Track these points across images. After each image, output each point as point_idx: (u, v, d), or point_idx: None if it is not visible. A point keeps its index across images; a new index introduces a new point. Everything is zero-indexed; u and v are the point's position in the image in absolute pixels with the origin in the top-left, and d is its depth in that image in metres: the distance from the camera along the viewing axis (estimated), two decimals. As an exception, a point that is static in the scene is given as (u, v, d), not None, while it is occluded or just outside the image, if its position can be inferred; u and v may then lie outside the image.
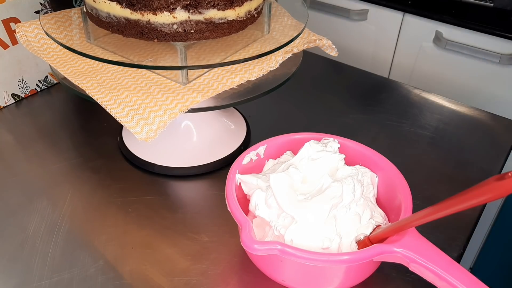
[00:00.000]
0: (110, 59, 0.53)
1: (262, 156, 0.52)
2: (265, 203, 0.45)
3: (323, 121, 0.73)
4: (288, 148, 0.53)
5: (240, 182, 0.48)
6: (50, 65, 0.61)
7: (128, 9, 0.50)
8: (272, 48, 0.54)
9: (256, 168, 0.51)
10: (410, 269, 0.39)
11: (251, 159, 0.51)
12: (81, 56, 0.55)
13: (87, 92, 0.55)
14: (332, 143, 0.50)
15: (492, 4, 1.00)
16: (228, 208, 0.44)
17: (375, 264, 0.45)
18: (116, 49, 0.58)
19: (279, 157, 0.52)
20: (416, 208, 0.43)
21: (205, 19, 0.51)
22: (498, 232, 1.11)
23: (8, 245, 0.52)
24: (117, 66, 0.58)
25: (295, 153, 0.51)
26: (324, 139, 0.51)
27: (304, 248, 0.40)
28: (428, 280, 0.39)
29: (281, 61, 0.59)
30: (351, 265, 0.41)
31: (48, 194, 0.58)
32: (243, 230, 0.40)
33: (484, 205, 0.59)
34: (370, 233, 0.43)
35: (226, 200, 0.45)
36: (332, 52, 0.67)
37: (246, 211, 0.47)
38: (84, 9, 0.57)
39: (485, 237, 1.15)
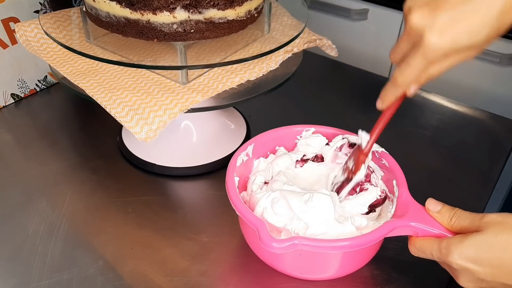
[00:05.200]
0: (109, 58, 0.53)
1: (251, 156, 0.53)
2: (272, 210, 0.45)
3: (323, 121, 0.72)
4: (275, 143, 0.54)
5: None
6: (49, 65, 0.60)
7: (128, 9, 0.50)
8: (272, 48, 0.54)
9: (247, 167, 0.52)
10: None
11: (243, 160, 0.51)
12: (80, 56, 0.54)
13: (87, 92, 0.55)
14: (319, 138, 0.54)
15: (492, 4, 1.00)
16: (237, 213, 0.44)
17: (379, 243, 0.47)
18: (115, 48, 0.58)
19: (269, 155, 0.54)
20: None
21: (205, 18, 0.51)
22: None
23: (8, 245, 0.51)
24: (116, 66, 0.58)
25: (286, 147, 0.54)
26: (306, 130, 0.54)
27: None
28: None
29: (281, 61, 0.59)
30: (375, 243, 0.42)
31: (47, 194, 0.58)
32: (261, 231, 0.40)
33: (484, 205, 0.59)
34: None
35: (233, 206, 0.44)
36: (332, 52, 0.67)
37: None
38: (84, 9, 0.57)
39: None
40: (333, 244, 0.41)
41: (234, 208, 0.44)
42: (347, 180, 0.48)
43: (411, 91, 0.41)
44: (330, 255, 0.44)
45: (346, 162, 0.49)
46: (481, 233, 0.36)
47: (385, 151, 0.50)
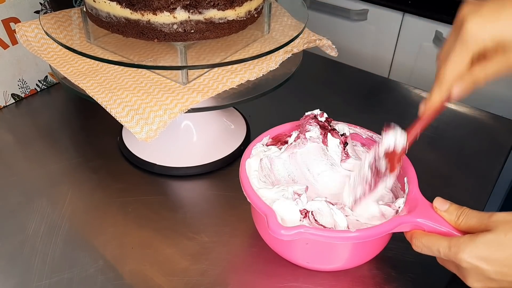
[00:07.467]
0: (110, 59, 0.53)
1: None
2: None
3: (323, 121, 0.73)
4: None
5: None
6: (50, 65, 0.60)
7: (128, 9, 0.50)
8: (272, 48, 0.54)
9: None
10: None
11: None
12: (81, 56, 0.55)
13: (87, 92, 0.55)
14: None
15: (492, 4, 1.00)
16: (248, 200, 0.45)
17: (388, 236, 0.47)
18: (116, 49, 0.58)
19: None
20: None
21: (205, 19, 0.51)
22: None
23: (8, 245, 0.51)
24: (117, 66, 0.58)
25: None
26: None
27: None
28: None
29: (281, 61, 0.59)
30: (378, 237, 0.43)
31: (47, 194, 0.58)
32: (270, 218, 0.41)
33: (484, 205, 0.59)
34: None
35: (244, 192, 0.46)
36: (332, 52, 0.67)
37: None
38: (84, 9, 0.57)
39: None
40: (339, 235, 0.42)
41: (245, 195, 0.45)
42: (376, 179, 0.47)
43: (456, 91, 0.40)
44: (336, 246, 0.44)
45: (373, 163, 0.48)
46: (491, 232, 0.36)
47: None
